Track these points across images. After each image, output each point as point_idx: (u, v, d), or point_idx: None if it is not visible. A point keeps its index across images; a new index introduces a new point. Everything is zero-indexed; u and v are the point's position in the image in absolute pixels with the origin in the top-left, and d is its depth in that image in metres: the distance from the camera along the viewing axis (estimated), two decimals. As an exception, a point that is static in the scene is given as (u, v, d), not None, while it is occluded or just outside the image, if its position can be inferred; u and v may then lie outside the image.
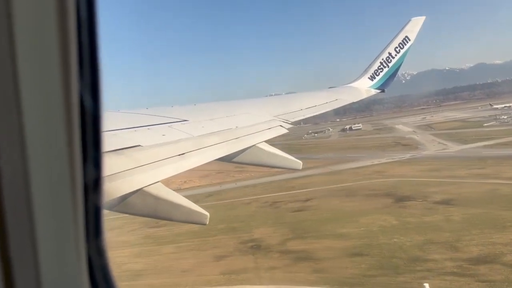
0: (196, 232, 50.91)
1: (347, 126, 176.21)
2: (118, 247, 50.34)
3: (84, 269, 1.48)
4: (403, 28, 14.21)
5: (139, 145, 4.43)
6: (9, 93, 1.16)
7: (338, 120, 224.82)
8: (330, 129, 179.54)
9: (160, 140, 4.92)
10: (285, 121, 8.18)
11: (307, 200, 62.04)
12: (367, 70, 14.31)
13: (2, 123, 1.18)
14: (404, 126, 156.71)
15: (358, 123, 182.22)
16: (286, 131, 7.65)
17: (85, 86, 1.34)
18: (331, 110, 10.85)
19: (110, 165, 3.71)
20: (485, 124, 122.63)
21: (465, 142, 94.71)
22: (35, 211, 1.26)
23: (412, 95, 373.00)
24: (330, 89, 13.79)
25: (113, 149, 4.06)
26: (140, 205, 3.96)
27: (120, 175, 3.72)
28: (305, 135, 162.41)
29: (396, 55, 14.15)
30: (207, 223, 4.41)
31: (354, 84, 14.02)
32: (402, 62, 14.31)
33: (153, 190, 3.99)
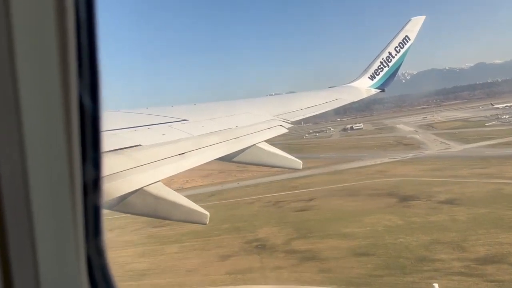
0: (200, 231, 50.79)
1: (348, 126, 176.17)
2: (121, 246, 50.21)
3: (84, 269, 1.48)
4: (403, 27, 14.24)
5: (139, 145, 4.44)
6: (8, 93, 1.16)
7: (338, 119, 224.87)
8: (331, 129, 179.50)
9: (160, 139, 4.94)
10: (285, 120, 8.19)
11: (310, 199, 61.93)
12: (367, 69, 14.33)
13: (2, 123, 1.18)
14: (405, 125, 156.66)
15: (359, 123, 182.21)
16: (286, 130, 7.66)
17: (84, 86, 1.34)
18: (331, 110, 10.87)
19: (110, 164, 3.72)
20: (487, 124, 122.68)
21: (467, 141, 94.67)
22: (34, 211, 1.27)
23: (412, 94, 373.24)
24: (330, 88, 13.80)
25: (113, 148, 4.06)
26: (140, 204, 3.96)
27: (120, 175, 3.72)
28: (306, 135, 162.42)
29: (396, 54, 14.18)
30: (207, 222, 4.40)
31: (354, 84, 14.04)
32: (402, 61, 14.33)
33: (153, 189, 3.99)
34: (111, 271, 1.69)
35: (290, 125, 8.15)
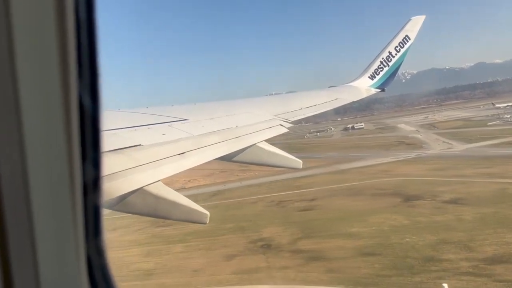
0: (204, 231, 50.63)
1: (349, 125, 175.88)
2: (126, 246, 50.10)
3: (84, 268, 1.49)
4: (403, 27, 14.27)
5: (139, 144, 4.46)
6: (8, 93, 1.16)
7: (339, 119, 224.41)
8: (332, 128, 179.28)
9: (160, 139, 4.95)
10: (285, 120, 8.21)
11: (313, 199, 61.84)
12: (367, 69, 14.36)
13: (2, 123, 1.19)
14: (407, 125, 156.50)
15: (360, 122, 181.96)
16: (286, 130, 7.68)
17: (84, 86, 1.35)
18: (331, 109, 10.93)
19: (110, 164, 3.74)
20: (489, 123, 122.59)
21: (470, 141, 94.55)
22: (34, 211, 1.27)
23: (413, 94, 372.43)
24: (330, 88, 13.81)
25: (113, 148, 4.07)
26: (140, 204, 3.98)
27: (120, 174, 3.73)
28: (307, 134, 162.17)
29: (396, 54, 14.21)
30: (207, 222, 4.43)
31: (354, 84, 14.08)
32: (403, 61, 14.36)
33: (153, 189, 4.00)
34: (111, 271, 1.69)
35: (290, 125, 8.18)
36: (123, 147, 4.24)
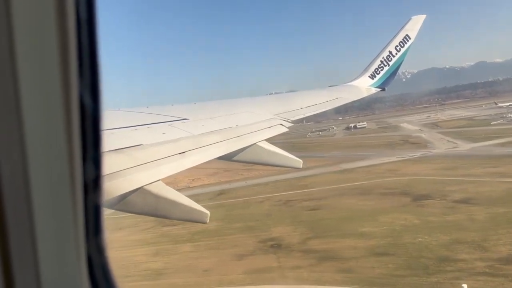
0: (212, 230, 50.46)
1: (352, 124, 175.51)
2: (133, 246, 49.83)
3: (84, 268, 1.49)
4: (403, 26, 14.31)
5: (139, 144, 4.47)
6: (9, 93, 1.18)
7: (340, 118, 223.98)
8: (334, 127, 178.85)
9: (161, 138, 4.97)
10: (286, 119, 8.25)
11: (321, 198, 61.53)
12: (367, 68, 14.39)
13: (2, 122, 1.20)
14: (409, 124, 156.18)
15: (362, 121, 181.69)
16: (287, 129, 7.74)
17: (85, 85, 1.36)
18: (331, 109, 11.00)
19: (110, 163, 3.74)
20: (493, 123, 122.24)
21: (475, 140, 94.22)
22: (35, 211, 1.28)
23: (413, 93, 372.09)
24: (331, 87, 13.82)
25: (113, 147, 4.08)
26: (140, 203, 3.99)
27: (121, 174, 3.75)
28: (309, 134, 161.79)
29: (396, 53, 14.25)
30: (208, 221, 4.47)
31: (355, 83, 14.13)
32: (403, 60, 14.39)
33: (153, 188, 4.01)
34: (112, 270, 1.69)
35: (290, 124, 8.22)
36: (123, 146, 4.24)
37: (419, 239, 39.91)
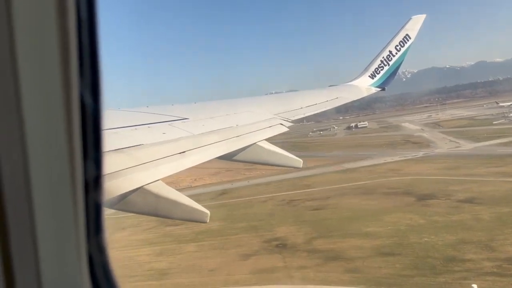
0: (216, 230, 50.32)
1: (353, 124, 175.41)
2: (136, 246, 49.66)
3: (85, 267, 1.49)
4: (403, 26, 14.30)
5: (140, 144, 4.47)
6: (9, 93, 1.18)
7: (341, 118, 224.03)
8: (335, 127, 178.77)
9: (161, 138, 4.98)
10: (286, 119, 8.26)
11: (325, 198, 61.37)
12: (367, 68, 14.39)
13: (2, 122, 1.20)
14: (410, 124, 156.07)
15: (363, 121, 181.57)
16: (287, 129, 7.75)
17: (85, 85, 1.36)
18: (332, 108, 11.01)
19: (111, 163, 3.75)
20: (494, 122, 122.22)
21: (477, 140, 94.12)
22: (36, 210, 1.29)
23: (413, 93, 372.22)
24: (331, 87, 13.81)
25: (114, 147, 4.08)
26: (140, 203, 3.99)
27: (121, 173, 3.75)
28: (310, 133, 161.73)
29: (396, 53, 14.25)
30: (208, 221, 4.45)
31: (355, 83, 14.13)
32: (403, 60, 14.38)
33: (153, 188, 4.02)
34: (113, 270, 1.68)
35: (291, 124, 8.24)
36: (124, 146, 4.23)
37: (425, 239, 39.72)
